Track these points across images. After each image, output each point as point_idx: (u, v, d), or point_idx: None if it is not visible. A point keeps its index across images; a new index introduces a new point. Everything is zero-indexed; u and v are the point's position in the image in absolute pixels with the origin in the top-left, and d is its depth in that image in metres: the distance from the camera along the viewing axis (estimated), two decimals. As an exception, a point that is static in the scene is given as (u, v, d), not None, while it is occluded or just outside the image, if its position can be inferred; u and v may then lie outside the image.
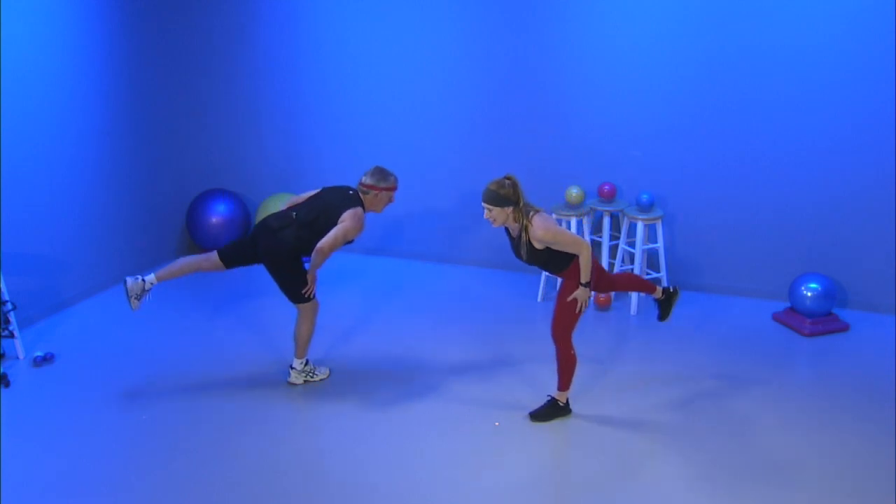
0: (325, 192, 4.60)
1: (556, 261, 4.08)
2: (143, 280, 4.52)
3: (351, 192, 4.54)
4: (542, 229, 3.92)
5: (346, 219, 4.36)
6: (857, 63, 5.49)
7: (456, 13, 6.27)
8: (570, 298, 4.11)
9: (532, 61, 6.20)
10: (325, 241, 4.30)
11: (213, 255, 4.64)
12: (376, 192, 4.51)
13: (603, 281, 4.40)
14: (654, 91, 5.97)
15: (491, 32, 6.23)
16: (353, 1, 6.47)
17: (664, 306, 4.64)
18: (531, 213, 3.97)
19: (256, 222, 4.77)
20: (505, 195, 3.92)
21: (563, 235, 3.99)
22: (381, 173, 4.54)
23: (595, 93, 6.11)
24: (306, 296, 4.51)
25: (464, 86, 6.42)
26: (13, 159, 5.26)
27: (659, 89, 5.96)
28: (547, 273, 4.23)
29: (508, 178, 3.97)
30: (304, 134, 6.89)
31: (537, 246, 3.98)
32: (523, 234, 3.98)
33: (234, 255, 4.62)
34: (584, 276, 4.06)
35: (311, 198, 4.60)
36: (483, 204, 3.98)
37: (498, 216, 3.97)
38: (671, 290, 4.64)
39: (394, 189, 4.57)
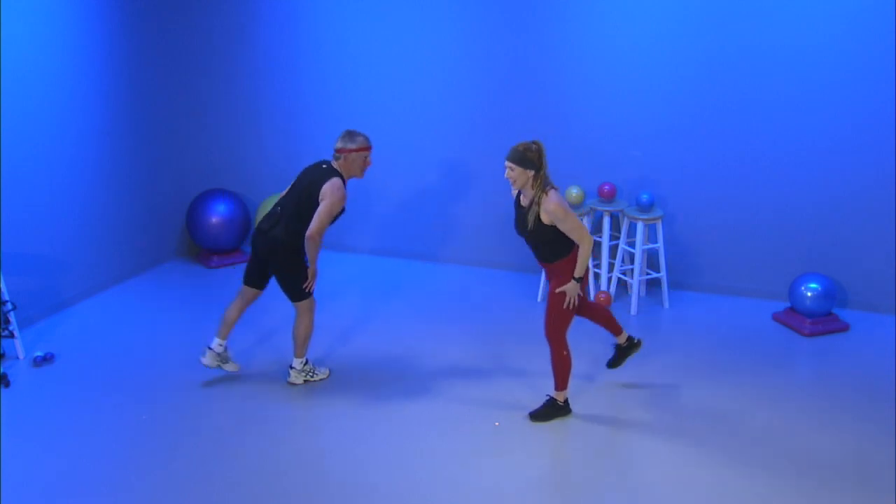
0: (302, 175, 4.53)
1: (556, 244, 4.06)
2: (211, 348, 4.64)
3: (325, 165, 4.47)
4: (556, 203, 3.93)
5: (325, 195, 4.32)
6: (857, 63, 5.49)
7: (456, 13, 6.28)
8: (559, 290, 4.10)
9: (532, 61, 6.20)
10: (312, 228, 4.29)
11: (243, 288, 4.67)
12: (345, 154, 4.42)
13: (584, 305, 4.38)
14: (654, 91, 5.97)
15: (491, 32, 6.23)
16: (353, 1, 6.47)
17: (621, 354, 4.60)
18: (548, 187, 3.98)
19: (254, 230, 4.76)
20: (530, 158, 3.93)
21: (573, 219, 3.98)
22: (349, 135, 4.45)
23: (595, 93, 6.11)
24: (306, 291, 4.50)
25: (464, 86, 6.42)
26: (13, 159, 5.26)
27: (659, 89, 5.96)
28: (543, 262, 4.18)
29: (535, 143, 3.99)
30: (304, 134, 6.89)
31: (545, 219, 3.97)
32: (535, 204, 3.97)
33: (255, 276, 4.64)
34: (579, 269, 4.06)
35: (291, 187, 4.56)
36: (506, 162, 3.98)
37: (519, 177, 3.97)
38: (635, 340, 4.60)
39: (365, 149, 4.46)
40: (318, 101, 6.78)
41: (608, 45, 6.00)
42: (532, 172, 3.95)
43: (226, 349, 4.73)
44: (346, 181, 4.42)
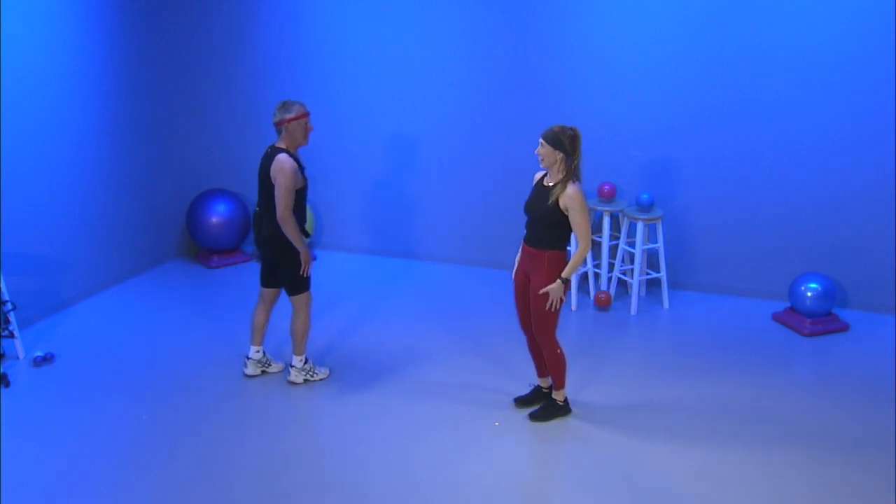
0: (259, 168, 4.48)
1: (554, 233, 4.04)
2: (250, 358, 4.76)
3: (269, 149, 4.44)
4: (575, 190, 3.93)
5: (276, 176, 4.29)
6: (857, 63, 5.49)
7: (456, 13, 6.28)
8: (542, 291, 4.06)
9: (532, 61, 6.20)
10: (277, 212, 4.29)
11: (262, 291, 4.71)
12: (285, 125, 4.36)
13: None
14: (654, 91, 5.97)
15: (491, 32, 6.24)
16: (353, 1, 6.47)
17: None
18: (574, 178, 3.98)
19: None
20: (561, 140, 3.94)
21: (585, 216, 3.98)
22: (284, 106, 4.38)
23: (595, 93, 6.12)
24: (305, 278, 4.51)
25: (464, 86, 6.42)
26: (13, 159, 5.26)
27: (659, 89, 5.96)
28: (531, 247, 4.12)
29: (572, 129, 4.00)
30: (304, 134, 6.89)
31: (561, 203, 3.95)
32: (560, 185, 3.96)
33: (268, 277, 4.67)
34: (569, 271, 4.04)
35: (258, 184, 4.54)
36: (540, 139, 4.00)
37: (547, 155, 3.98)
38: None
39: (303, 116, 4.37)
40: (319, 101, 6.76)
41: (608, 45, 6.00)
42: (561, 155, 3.96)
43: (264, 353, 4.82)
44: (293, 154, 4.38)
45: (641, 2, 5.86)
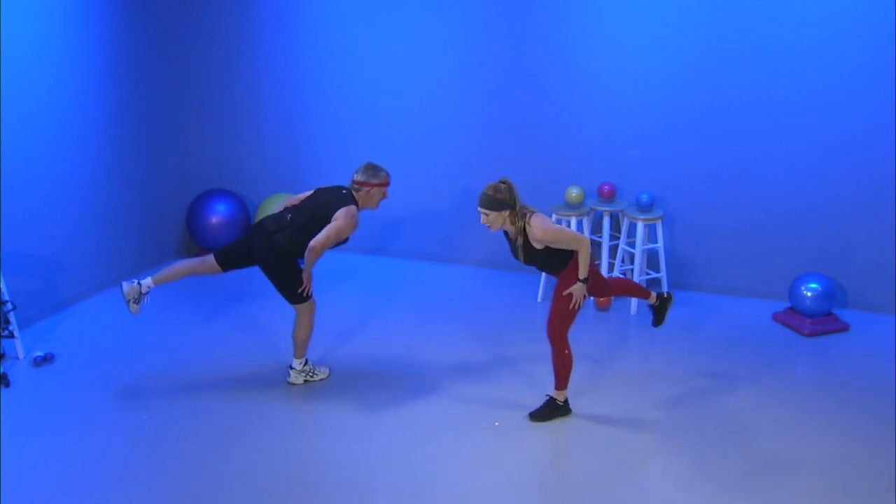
0: (319, 192, 4.59)
1: (555, 260, 4.10)
2: (140, 283, 4.53)
3: (344, 191, 4.52)
4: (541, 230, 3.94)
5: (339, 217, 4.35)
6: (857, 63, 5.49)
7: (456, 13, 6.27)
8: (566, 292, 4.11)
9: (532, 61, 6.20)
10: (317, 240, 4.31)
11: (210, 258, 4.64)
12: (368, 188, 4.49)
13: (599, 285, 4.41)
14: (654, 91, 5.97)
15: (491, 33, 6.23)
16: (353, 1, 6.47)
17: (659, 312, 4.67)
18: (528, 215, 3.99)
19: (255, 223, 4.75)
20: (501, 199, 3.94)
21: (562, 233, 4.02)
22: (372, 169, 4.52)
23: (595, 93, 6.11)
24: (303, 295, 4.51)
25: (463, 86, 6.42)
26: (13, 159, 5.26)
27: (658, 89, 5.95)
28: (551, 275, 4.24)
29: (504, 182, 3.99)
30: (304, 134, 6.89)
31: (536, 246, 4.00)
32: (520, 237, 4.00)
33: (231, 258, 4.63)
34: (583, 271, 4.07)
35: (305, 199, 4.59)
36: (479, 209, 4.00)
37: (495, 220, 3.99)
38: (665, 295, 4.66)
39: (386, 185, 4.55)
40: (319, 101, 6.78)
41: (608, 45, 6.00)
42: (507, 212, 3.97)
43: (147, 296, 4.54)
44: (359, 210, 4.48)
45: (641, 2, 5.86)
